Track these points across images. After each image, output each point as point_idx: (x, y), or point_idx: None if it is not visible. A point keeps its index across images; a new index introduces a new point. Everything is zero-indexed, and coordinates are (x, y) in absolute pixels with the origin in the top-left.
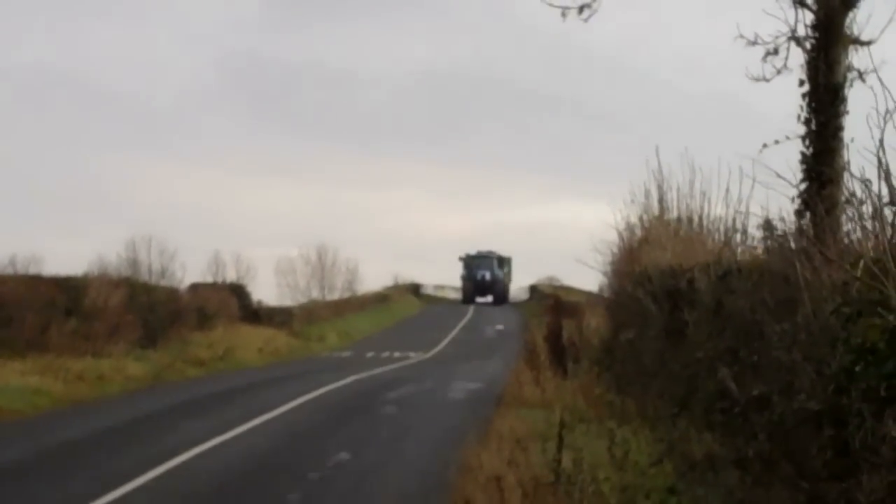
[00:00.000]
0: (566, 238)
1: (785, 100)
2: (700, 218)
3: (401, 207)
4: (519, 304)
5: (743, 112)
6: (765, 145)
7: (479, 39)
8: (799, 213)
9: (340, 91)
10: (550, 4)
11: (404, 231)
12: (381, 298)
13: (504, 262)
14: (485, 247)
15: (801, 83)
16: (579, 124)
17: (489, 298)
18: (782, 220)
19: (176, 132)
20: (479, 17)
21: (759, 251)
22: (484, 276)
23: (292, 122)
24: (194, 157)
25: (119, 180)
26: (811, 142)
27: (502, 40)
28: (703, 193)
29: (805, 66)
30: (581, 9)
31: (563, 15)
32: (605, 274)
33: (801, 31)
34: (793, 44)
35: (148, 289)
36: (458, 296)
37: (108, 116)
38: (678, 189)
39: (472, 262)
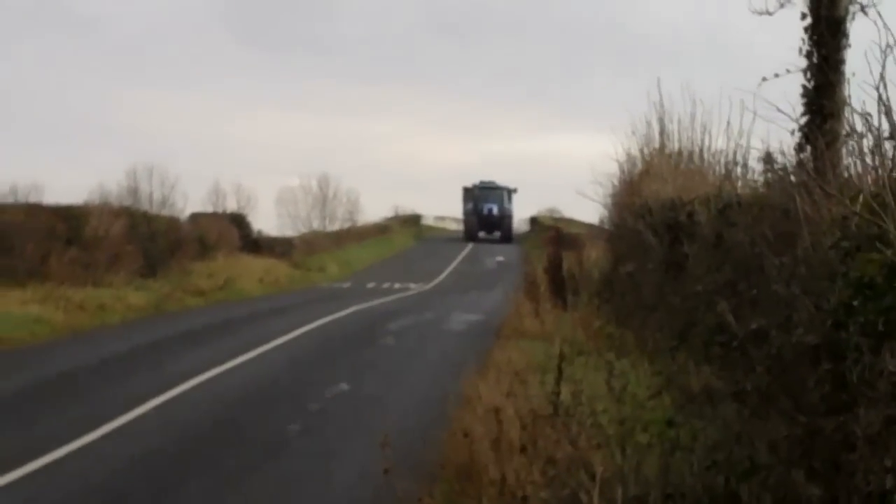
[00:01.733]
0: (567, 170)
1: (784, 35)
2: (701, 151)
3: (396, 138)
4: (519, 236)
5: (744, 47)
6: (765, 78)
7: None
8: (799, 147)
9: (322, 19)
10: None
11: (402, 162)
12: (382, 229)
13: (510, 194)
14: (486, 177)
15: (804, 16)
16: (577, 57)
17: (496, 235)
18: (782, 153)
19: (165, 61)
20: None
21: (760, 185)
22: (491, 209)
23: (278, 50)
24: (188, 86)
25: (116, 109)
26: (812, 75)
27: None
28: (704, 126)
29: None
30: None
31: None
32: (605, 206)
33: None
34: None
35: (148, 218)
36: (459, 227)
37: (95, 44)
38: (679, 122)
39: (479, 194)
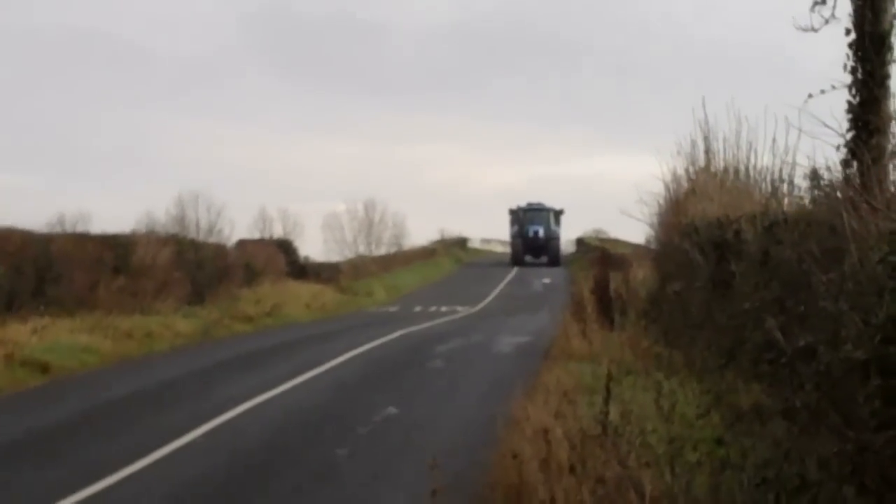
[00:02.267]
0: (612, 191)
1: (828, 51)
2: (746, 168)
3: (442, 161)
4: (566, 257)
5: (787, 66)
6: (810, 95)
7: None
8: (845, 163)
9: (368, 45)
10: None
11: (448, 185)
12: (428, 253)
13: (558, 216)
14: (532, 199)
15: (848, 32)
16: (618, 78)
17: (542, 259)
18: (828, 169)
19: (210, 89)
20: None
21: (806, 201)
22: (537, 232)
23: (323, 78)
24: (233, 114)
25: (162, 138)
26: (857, 90)
27: None
28: (750, 144)
29: (852, 15)
30: None
31: None
32: (651, 226)
33: None
34: None
35: (196, 245)
36: (505, 250)
37: (141, 74)
38: (724, 140)
39: (524, 217)
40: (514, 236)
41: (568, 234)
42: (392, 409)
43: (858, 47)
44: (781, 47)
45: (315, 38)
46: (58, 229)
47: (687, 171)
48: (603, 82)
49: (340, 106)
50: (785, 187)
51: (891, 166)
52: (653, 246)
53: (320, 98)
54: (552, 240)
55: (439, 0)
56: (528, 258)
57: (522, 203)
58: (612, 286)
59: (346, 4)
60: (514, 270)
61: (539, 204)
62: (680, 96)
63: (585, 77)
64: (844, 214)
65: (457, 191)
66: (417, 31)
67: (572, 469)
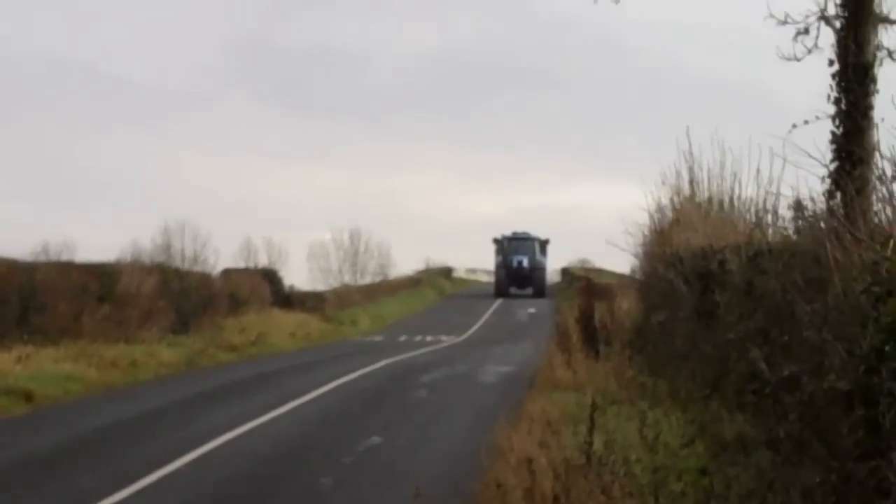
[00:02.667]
0: (598, 220)
1: (809, 82)
2: (731, 199)
3: (426, 190)
4: (551, 287)
5: (770, 96)
6: (795, 125)
7: (484, 22)
8: (829, 194)
9: (349, 75)
10: None
11: (432, 214)
12: (413, 282)
13: (544, 246)
14: (517, 228)
15: (831, 63)
16: (606, 107)
17: (528, 291)
18: (812, 200)
19: (194, 119)
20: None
21: (790, 232)
22: (521, 262)
23: (306, 107)
24: (217, 143)
25: (147, 167)
26: (841, 121)
27: (507, 23)
28: (734, 174)
29: (835, 46)
30: None
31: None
32: (636, 256)
33: (831, 10)
34: (823, 23)
35: (180, 275)
36: (491, 279)
37: (121, 104)
38: (709, 170)
39: (508, 246)
40: (497, 266)
41: (553, 264)
42: (376, 439)
43: (842, 78)
44: (766, 77)
45: (297, 68)
46: (42, 258)
47: (671, 201)
48: (587, 111)
49: (324, 135)
50: (769, 218)
51: (874, 197)
52: (638, 276)
53: (304, 127)
54: (537, 270)
55: (420, 30)
56: (512, 289)
57: (507, 232)
58: (597, 316)
59: (327, 34)
60: (499, 300)
61: (524, 233)
62: (664, 126)
63: (569, 106)
64: (828, 245)
65: (441, 220)
66: (399, 60)
67: (556, 499)
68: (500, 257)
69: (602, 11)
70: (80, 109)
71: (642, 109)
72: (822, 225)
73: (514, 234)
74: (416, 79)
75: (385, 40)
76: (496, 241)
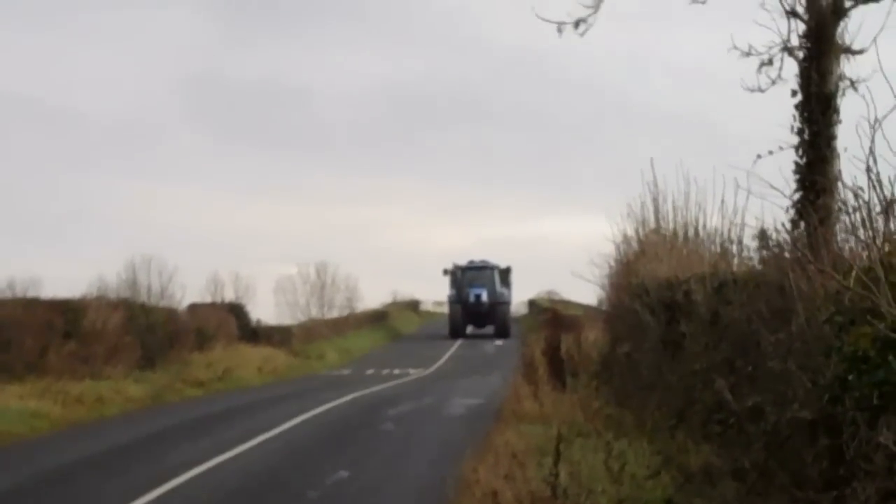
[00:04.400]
0: (564, 252)
1: (777, 112)
2: (696, 229)
3: (391, 224)
4: (517, 319)
5: (737, 124)
6: (759, 156)
7: (434, 56)
8: (793, 223)
9: (301, 109)
10: (545, 20)
11: (397, 247)
12: (381, 315)
13: (506, 275)
14: (485, 258)
15: (794, 93)
16: (570, 139)
17: (488, 329)
18: (777, 230)
19: (154, 155)
20: (433, 33)
21: (755, 262)
22: (479, 296)
23: (262, 142)
24: (179, 177)
25: (109, 202)
26: (804, 151)
27: (457, 57)
28: (699, 205)
29: (798, 76)
30: (577, 23)
31: (560, 30)
32: (602, 287)
33: (794, 42)
34: (786, 54)
35: (146, 310)
36: None
37: (75, 139)
38: (673, 201)
39: (463, 277)
40: (451, 301)
41: (520, 296)
42: (343, 473)
43: (805, 108)
44: (729, 109)
45: (251, 102)
46: (7, 294)
47: (637, 232)
48: (553, 144)
49: (284, 169)
50: (734, 248)
51: (837, 227)
52: (604, 307)
53: (263, 161)
54: (499, 304)
55: (368, 63)
56: (469, 329)
57: (463, 261)
58: (564, 347)
59: (276, 69)
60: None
61: (482, 261)
62: (628, 158)
63: (530, 137)
64: (791, 275)
65: (406, 253)
66: (348, 94)
67: None
68: (454, 291)
69: (563, 44)
70: (31, 145)
71: (606, 142)
72: (787, 255)
73: (471, 262)
74: (369, 111)
75: (330, 72)
76: (448, 271)
